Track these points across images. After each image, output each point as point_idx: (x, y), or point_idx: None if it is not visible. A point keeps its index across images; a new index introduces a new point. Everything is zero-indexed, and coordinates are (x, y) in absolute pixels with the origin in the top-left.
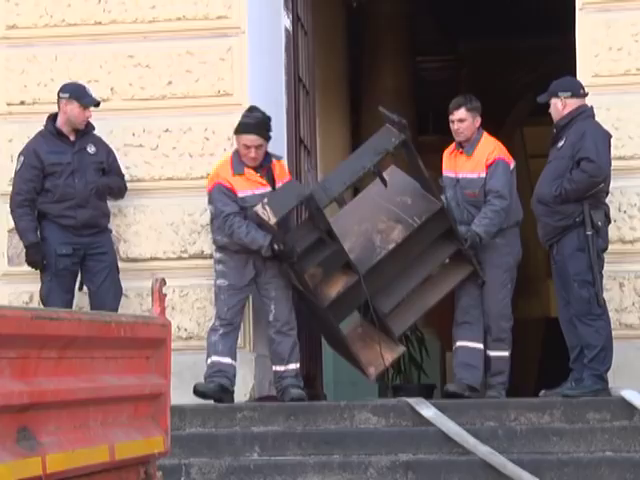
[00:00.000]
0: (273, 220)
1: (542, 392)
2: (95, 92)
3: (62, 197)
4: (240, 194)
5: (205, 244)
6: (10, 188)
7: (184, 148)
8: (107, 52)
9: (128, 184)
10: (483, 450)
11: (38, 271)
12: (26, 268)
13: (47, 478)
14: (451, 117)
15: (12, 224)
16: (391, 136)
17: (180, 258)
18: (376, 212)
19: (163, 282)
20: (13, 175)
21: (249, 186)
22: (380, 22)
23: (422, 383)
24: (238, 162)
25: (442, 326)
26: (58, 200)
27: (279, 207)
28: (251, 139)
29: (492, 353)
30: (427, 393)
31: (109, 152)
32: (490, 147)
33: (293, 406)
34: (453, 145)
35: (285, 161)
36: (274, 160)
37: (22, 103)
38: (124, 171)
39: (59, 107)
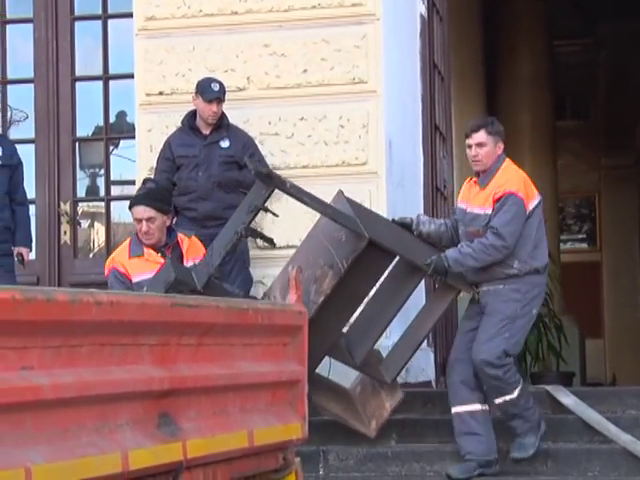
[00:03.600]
0: None
1: None
2: (231, 82)
3: (185, 190)
4: (135, 278)
5: None
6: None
7: (319, 136)
8: (243, 42)
9: None
10: (625, 439)
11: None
12: None
13: (187, 463)
14: (468, 141)
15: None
16: (261, 190)
17: None
18: (317, 254)
19: (299, 270)
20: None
21: (147, 268)
22: (516, 6)
23: (561, 371)
24: (137, 243)
25: (581, 312)
26: (182, 193)
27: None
28: (139, 211)
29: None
30: (566, 381)
31: (245, 146)
32: (503, 178)
33: (430, 393)
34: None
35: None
36: (180, 236)
37: (160, 94)
38: None
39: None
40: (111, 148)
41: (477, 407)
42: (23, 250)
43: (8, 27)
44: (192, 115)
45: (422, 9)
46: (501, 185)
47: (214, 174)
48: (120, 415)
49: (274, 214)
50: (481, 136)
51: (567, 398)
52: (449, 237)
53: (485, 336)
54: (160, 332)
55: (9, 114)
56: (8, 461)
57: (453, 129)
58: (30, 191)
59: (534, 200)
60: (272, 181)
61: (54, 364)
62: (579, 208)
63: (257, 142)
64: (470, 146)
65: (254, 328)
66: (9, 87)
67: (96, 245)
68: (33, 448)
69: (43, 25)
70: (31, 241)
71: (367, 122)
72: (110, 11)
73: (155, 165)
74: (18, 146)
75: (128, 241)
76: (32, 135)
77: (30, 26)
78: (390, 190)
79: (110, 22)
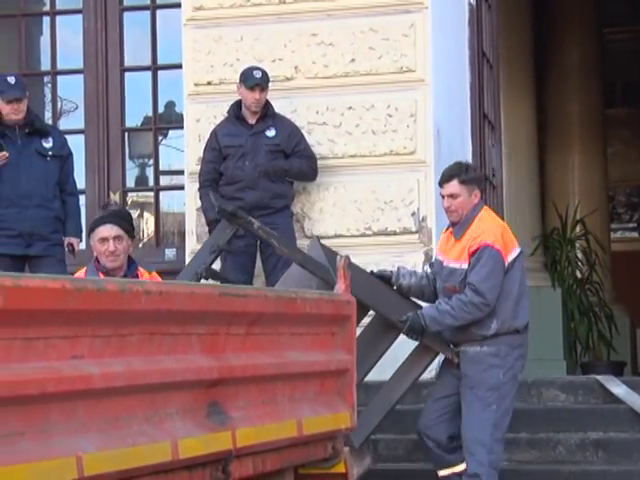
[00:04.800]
0: None
1: None
2: (279, 71)
3: (231, 179)
4: None
5: (389, 221)
6: (198, 167)
7: (367, 125)
8: (291, 31)
9: None
10: None
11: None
12: None
13: (237, 452)
14: (441, 191)
15: (200, 203)
16: (225, 230)
17: (364, 235)
18: None
19: (347, 259)
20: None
21: None
22: None
23: (612, 360)
24: (94, 272)
25: (632, 302)
26: (228, 182)
27: None
28: (105, 229)
29: None
30: (617, 370)
31: (290, 135)
32: (479, 229)
33: None
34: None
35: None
36: (141, 269)
37: (209, 83)
38: None
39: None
40: (160, 138)
41: (463, 466)
42: (73, 240)
43: (58, 18)
44: (238, 105)
45: None
46: (476, 237)
47: (260, 163)
48: (170, 404)
49: (229, 251)
50: (453, 187)
51: (618, 388)
52: (431, 291)
53: (471, 414)
54: (209, 321)
55: (59, 105)
56: (60, 449)
57: (502, 117)
58: (80, 181)
59: (513, 252)
60: (237, 220)
61: (104, 353)
62: (629, 197)
63: (304, 132)
64: (443, 197)
65: (302, 317)
66: (59, 78)
67: (145, 235)
68: (84, 437)
69: (92, 16)
70: (81, 231)
71: (415, 111)
72: (158, 1)
73: (202, 155)
74: (68, 137)
75: (83, 271)
76: (82, 126)
77: (80, 17)
78: (439, 179)
79: (158, 12)
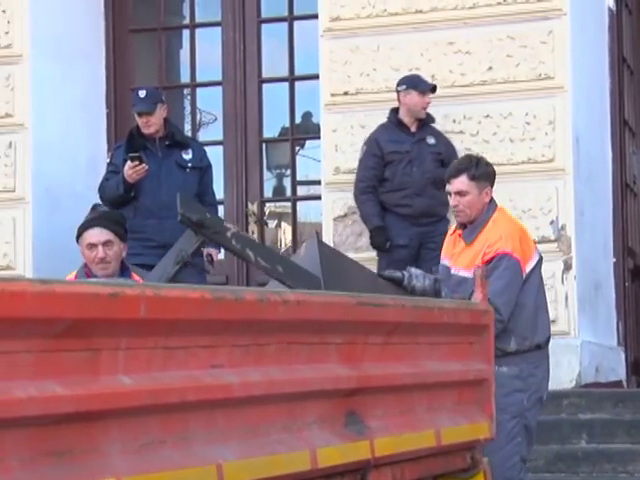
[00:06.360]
0: None
1: None
2: None
3: (399, 185)
4: None
5: (530, 229)
6: (335, 177)
7: (504, 133)
8: (428, 40)
9: None
10: None
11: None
12: (358, 254)
13: (375, 462)
14: (448, 187)
15: (337, 212)
16: (191, 240)
17: None
18: None
19: (484, 269)
20: (357, 164)
21: None
22: None
23: None
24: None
25: None
26: (395, 189)
27: None
28: (93, 234)
29: None
30: None
31: (448, 144)
32: (495, 234)
33: (621, 393)
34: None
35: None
36: (135, 276)
37: (345, 94)
38: None
39: (399, 100)
40: (297, 148)
41: None
42: (212, 251)
43: (197, 31)
44: (395, 112)
45: (610, 3)
46: (492, 244)
47: (428, 170)
48: (308, 413)
49: (208, 271)
50: (462, 183)
51: None
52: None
53: (495, 447)
54: (346, 331)
55: (198, 117)
56: (200, 458)
57: None
58: (219, 192)
59: (532, 260)
60: (204, 230)
61: (243, 362)
62: None
63: None
64: (450, 194)
65: (440, 327)
66: (198, 90)
67: (283, 244)
68: (224, 445)
69: (231, 28)
70: None
71: (554, 118)
72: (296, 13)
73: (358, 163)
74: (207, 148)
75: (73, 275)
76: (220, 137)
77: (218, 29)
78: (578, 187)
79: (296, 23)
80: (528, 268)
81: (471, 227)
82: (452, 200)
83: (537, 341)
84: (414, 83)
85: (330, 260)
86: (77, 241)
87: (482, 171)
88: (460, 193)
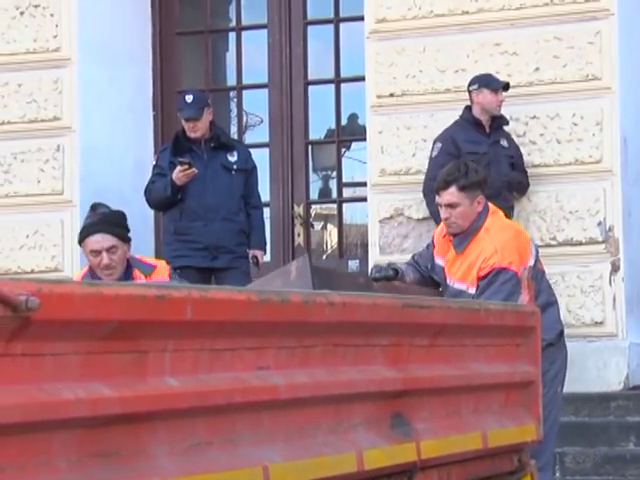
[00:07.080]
0: None
1: None
2: (462, 82)
3: None
4: None
5: (574, 231)
6: (381, 179)
7: (551, 134)
8: (474, 41)
9: None
10: None
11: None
12: (403, 256)
13: (422, 464)
14: (437, 199)
15: (383, 214)
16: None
17: (548, 245)
18: None
19: (530, 270)
20: (428, 161)
21: None
22: None
23: None
24: (90, 279)
25: None
26: None
27: None
28: (95, 240)
29: None
30: None
31: (517, 148)
32: (489, 248)
33: None
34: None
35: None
36: (137, 273)
37: (391, 95)
38: None
39: (471, 100)
40: (343, 150)
41: None
42: (258, 253)
43: (243, 33)
44: (468, 110)
45: None
46: (487, 258)
47: (504, 173)
48: (354, 415)
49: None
50: (451, 194)
51: None
52: (430, 277)
53: None
54: (392, 333)
55: (245, 119)
56: (247, 459)
57: None
58: (264, 194)
59: (529, 262)
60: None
61: (289, 364)
62: None
63: None
64: (440, 205)
65: (486, 329)
66: (244, 92)
67: (329, 246)
68: (270, 447)
69: (277, 30)
70: (265, 244)
71: (601, 119)
72: (342, 14)
73: (429, 161)
74: (253, 150)
75: (81, 274)
76: (266, 139)
77: (264, 32)
78: (625, 188)
79: (342, 25)
80: (522, 277)
81: (462, 235)
82: (443, 212)
83: (548, 339)
84: (486, 81)
85: (322, 278)
86: (79, 244)
87: (472, 180)
88: (451, 205)
